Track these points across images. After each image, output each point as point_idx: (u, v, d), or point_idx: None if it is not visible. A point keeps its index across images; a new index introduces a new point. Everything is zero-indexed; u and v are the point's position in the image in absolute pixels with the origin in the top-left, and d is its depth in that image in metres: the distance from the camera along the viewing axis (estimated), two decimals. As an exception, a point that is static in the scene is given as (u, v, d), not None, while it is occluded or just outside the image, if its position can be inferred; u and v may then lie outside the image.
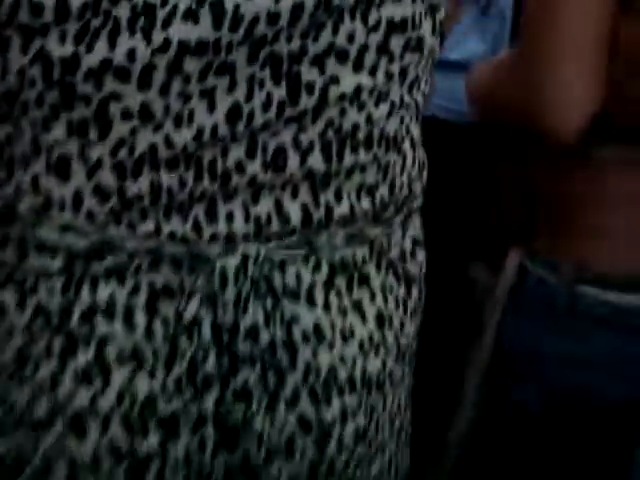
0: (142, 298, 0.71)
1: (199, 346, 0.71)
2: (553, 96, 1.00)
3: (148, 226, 0.70)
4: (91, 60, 0.66)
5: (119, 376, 0.71)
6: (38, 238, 0.71)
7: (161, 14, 0.65)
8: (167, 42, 0.65)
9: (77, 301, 0.71)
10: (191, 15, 0.65)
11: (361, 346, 0.77)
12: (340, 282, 0.76)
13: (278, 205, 0.72)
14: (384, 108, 0.74)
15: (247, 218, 0.71)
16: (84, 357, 0.71)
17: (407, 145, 0.78)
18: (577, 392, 1.10)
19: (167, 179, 0.69)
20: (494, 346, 1.12)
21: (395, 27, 0.73)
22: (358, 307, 0.77)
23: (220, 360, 0.72)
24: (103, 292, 0.71)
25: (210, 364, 0.71)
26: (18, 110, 0.69)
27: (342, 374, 0.76)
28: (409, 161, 0.78)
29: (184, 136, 0.68)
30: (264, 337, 0.72)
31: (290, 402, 0.74)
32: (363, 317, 0.77)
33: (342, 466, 0.77)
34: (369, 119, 0.74)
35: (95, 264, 0.70)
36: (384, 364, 0.79)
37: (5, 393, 0.73)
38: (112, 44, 0.65)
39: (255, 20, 0.67)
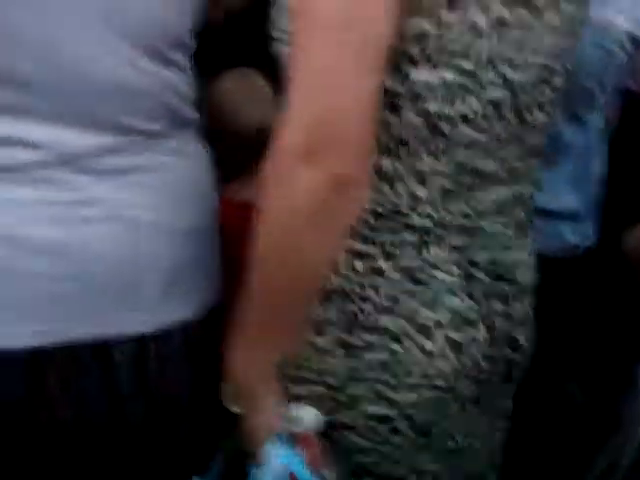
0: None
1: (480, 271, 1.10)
2: None
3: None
4: (451, 112, 1.03)
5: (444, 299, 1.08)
6: (409, 223, 1.06)
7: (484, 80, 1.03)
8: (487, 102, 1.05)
9: (424, 256, 1.07)
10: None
11: (529, 255, 1.18)
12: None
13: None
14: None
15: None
16: (423, 292, 1.07)
17: None
18: None
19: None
20: None
21: (557, 90, 1.13)
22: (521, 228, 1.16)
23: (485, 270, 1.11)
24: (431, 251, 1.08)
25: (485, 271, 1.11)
26: (401, 147, 1.05)
27: (523, 278, 1.17)
28: None
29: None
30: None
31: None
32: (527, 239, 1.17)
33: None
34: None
35: (431, 235, 1.07)
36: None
37: (376, 323, 1.07)
38: (462, 102, 1.03)
39: (517, 86, 1.06)
